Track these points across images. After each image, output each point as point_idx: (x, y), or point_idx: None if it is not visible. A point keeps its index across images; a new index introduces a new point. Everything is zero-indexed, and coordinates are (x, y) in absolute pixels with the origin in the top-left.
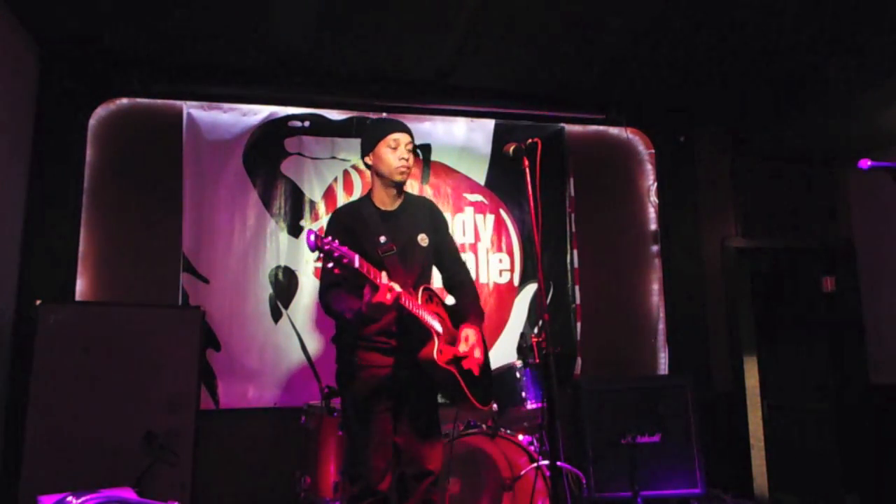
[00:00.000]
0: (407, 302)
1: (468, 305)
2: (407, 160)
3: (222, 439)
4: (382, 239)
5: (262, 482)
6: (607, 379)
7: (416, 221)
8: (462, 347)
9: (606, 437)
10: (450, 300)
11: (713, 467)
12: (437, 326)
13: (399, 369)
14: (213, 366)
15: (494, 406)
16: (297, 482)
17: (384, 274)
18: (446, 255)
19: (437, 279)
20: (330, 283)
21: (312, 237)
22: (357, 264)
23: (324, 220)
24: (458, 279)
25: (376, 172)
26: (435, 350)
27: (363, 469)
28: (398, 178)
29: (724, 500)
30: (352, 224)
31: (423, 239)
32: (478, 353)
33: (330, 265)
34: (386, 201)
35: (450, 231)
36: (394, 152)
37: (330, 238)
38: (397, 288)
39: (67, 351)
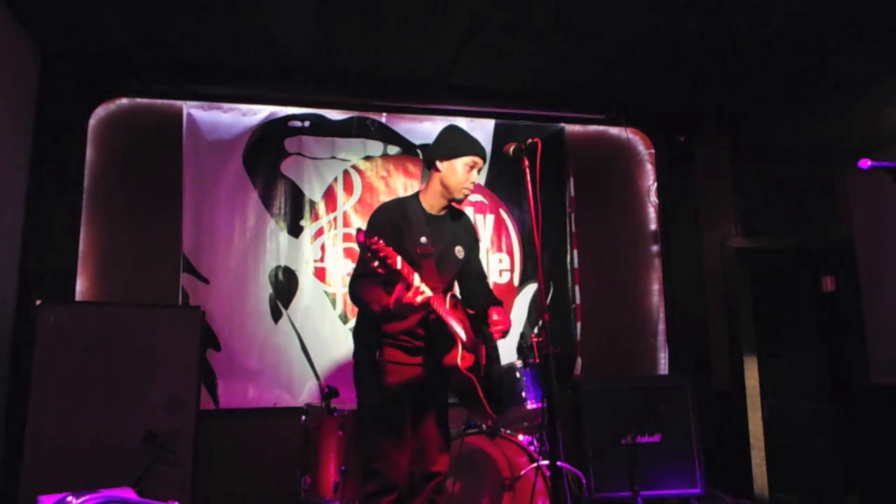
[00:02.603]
0: (438, 306)
1: (488, 304)
2: (474, 184)
3: (222, 439)
4: (423, 240)
5: (262, 482)
6: (607, 379)
7: (457, 232)
8: (495, 316)
9: (606, 437)
10: None
11: (713, 467)
12: (462, 333)
13: (426, 371)
14: (213, 366)
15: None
16: (297, 482)
17: (417, 276)
18: (473, 270)
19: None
20: (362, 273)
21: (364, 237)
22: (399, 265)
23: (324, 220)
24: (481, 293)
25: (441, 180)
26: (458, 357)
27: (383, 466)
28: (459, 195)
29: (724, 500)
30: (398, 220)
31: (458, 251)
32: (506, 319)
33: (375, 264)
34: (434, 206)
35: (479, 251)
36: (468, 172)
37: (376, 238)
38: (428, 292)
39: (67, 351)
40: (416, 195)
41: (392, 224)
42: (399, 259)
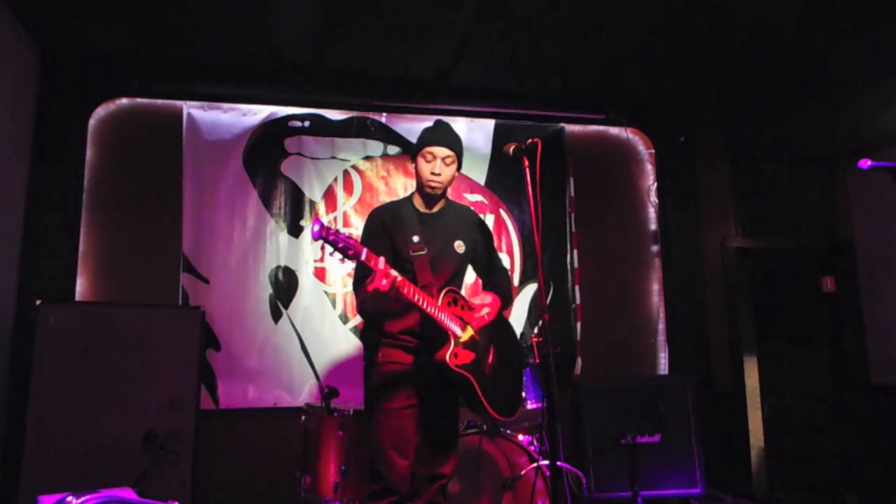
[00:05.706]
0: (422, 301)
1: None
2: (439, 175)
3: (222, 439)
4: (415, 238)
5: (262, 482)
6: (607, 379)
7: (455, 227)
8: (476, 301)
9: (606, 437)
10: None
11: (713, 467)
12: (456, 329)
13: (419, 368)
14: (213, 366)
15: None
16: (297, 482)
17: (382, 259)
18: (484, 263)
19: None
20: (361, 277)
21: (317, 227)
22: (364, 257)
23: (324, 220)
24: (495, 283)
25: (416, 176)
26: (449, 353)
27: (384, 468)
28: (427, 190)
29: (724, 500)
30: (389, 221)
31: (459, 245)
32: (485, 312)
33: (337, 256)
34: (426, 204)
35: (493, 243)
36: (427, 164)
37: (335, 229)
38: (394, 273)
39: (67, 351)
40: (411, 196)
41: (382, 226)
42: (365, 251)
